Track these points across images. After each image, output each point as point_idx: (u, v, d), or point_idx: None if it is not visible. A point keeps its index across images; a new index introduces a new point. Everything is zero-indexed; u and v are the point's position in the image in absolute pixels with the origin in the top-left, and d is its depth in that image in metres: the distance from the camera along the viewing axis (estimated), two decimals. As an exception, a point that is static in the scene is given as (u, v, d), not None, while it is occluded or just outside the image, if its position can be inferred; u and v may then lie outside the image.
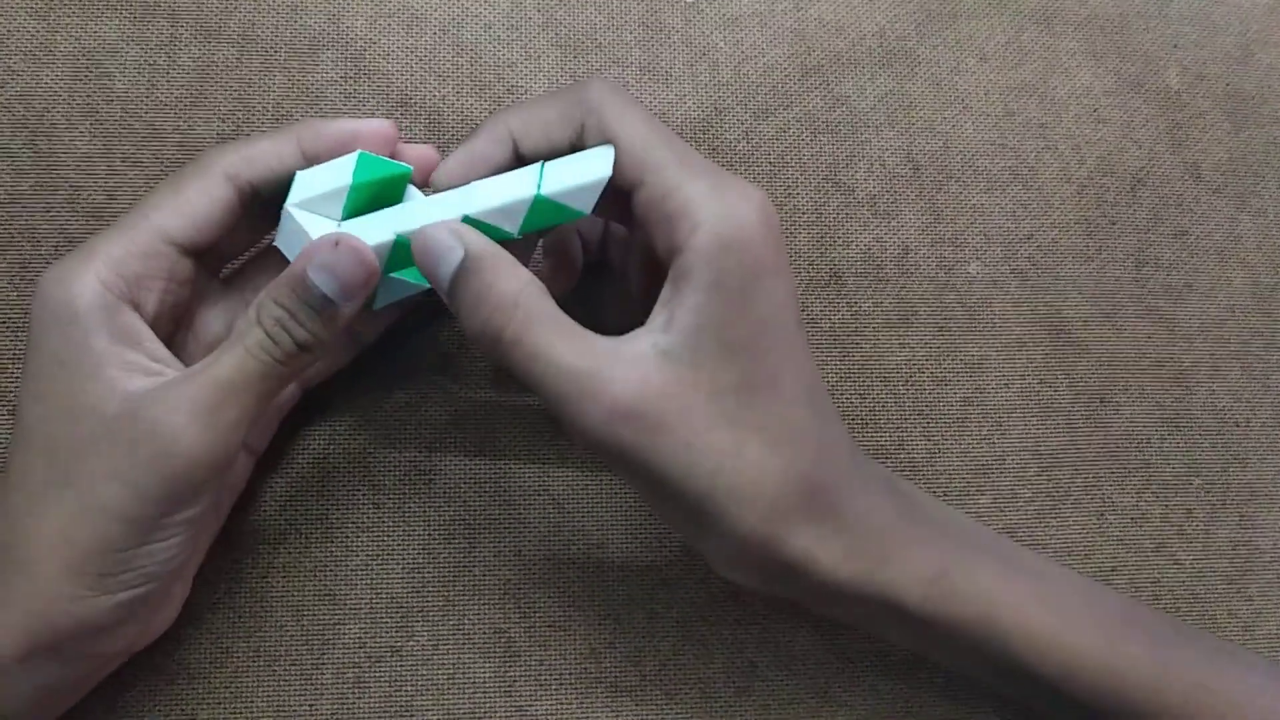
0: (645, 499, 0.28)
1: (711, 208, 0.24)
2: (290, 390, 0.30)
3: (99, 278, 0.25)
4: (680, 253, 0.25)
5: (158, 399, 0.24)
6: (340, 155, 0.27)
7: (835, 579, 0.25)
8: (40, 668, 0.25)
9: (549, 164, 0.27)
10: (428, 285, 0.27)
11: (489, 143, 0.27)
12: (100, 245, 0.26)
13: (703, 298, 0.24)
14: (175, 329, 0.28)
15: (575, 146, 0.27)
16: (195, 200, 0.26)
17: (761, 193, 0.25)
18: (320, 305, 0.25)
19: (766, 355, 0.25)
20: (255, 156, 0.27)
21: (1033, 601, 0.26)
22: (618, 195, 0.26)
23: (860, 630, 0.31)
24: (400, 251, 0.27)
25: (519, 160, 0.27)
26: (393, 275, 0.27)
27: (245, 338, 0.25)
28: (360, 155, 0.27)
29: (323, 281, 0.25)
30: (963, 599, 0.26)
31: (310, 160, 0.27)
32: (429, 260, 0.26)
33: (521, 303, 0.25)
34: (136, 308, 0.26)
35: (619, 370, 0.24)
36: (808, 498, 0.25)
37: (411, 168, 0.28)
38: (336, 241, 0.25)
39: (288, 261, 0.26)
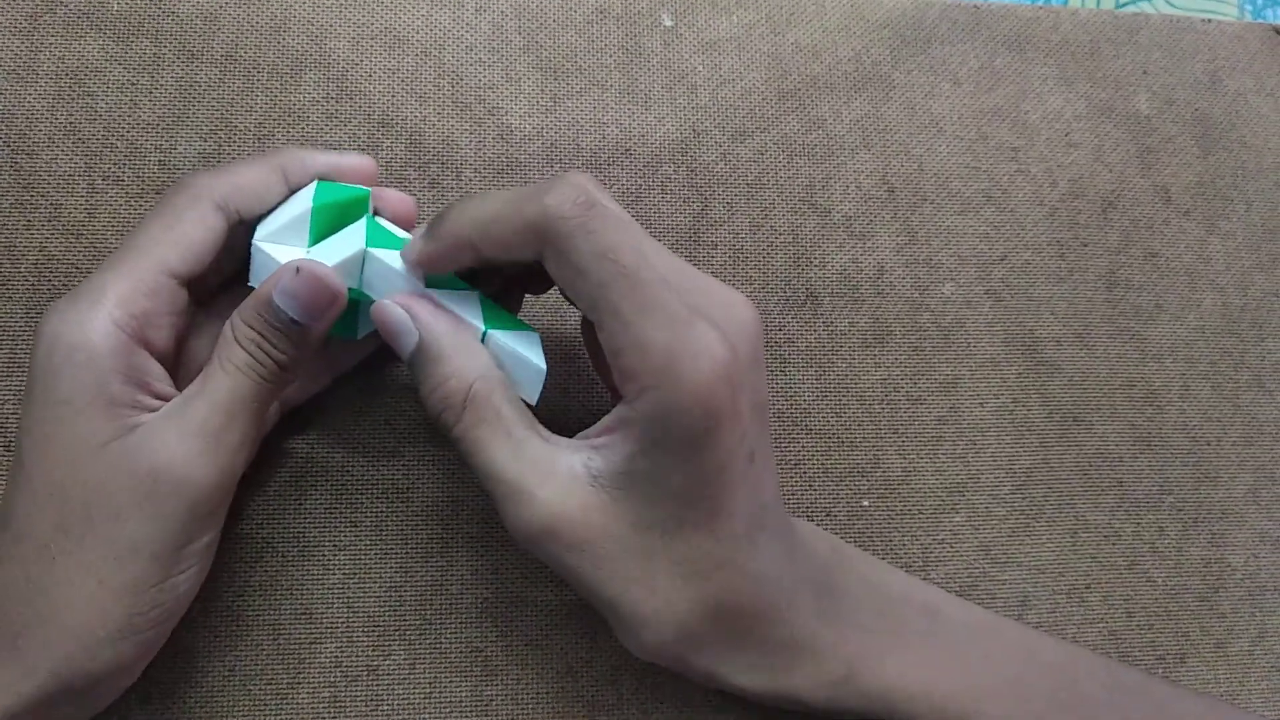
0: (577, 594, 0.28)
1: (660, 370, 0.23)
2: (271, 410, 0.30)
3: (112, 319, 0.25)
4: (627, 404, 0.25)
5: (164, 429, 0.25)
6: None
7: (739, 686, 0.27)
8: (52, 714, 0.25)
9: (492, 336, 0.27)
10: None
11: (451, 250, 0.26)
12: (109, 283, 0.26)
13: (637, 449, 0.24)
14: (176, 361, 0.28)
15: (536, 262, 0.26)
16: (193, 232, 0.27)
17: (726, 328, 0.24)
18: (288, 328, 0.26)
19: (703, 499, 0.25)
20: (244, 186, 0.27)
21: (947, 686, 0.27)
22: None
23: None
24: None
25: (475, 260, 0.27)
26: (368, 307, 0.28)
27: (231, 358, 0.25)
28: (319, 183, 0.28)
29: (288, 305, 0.26)
30: (869, 697, 0.27)
31: (293, 189, 0.28)
32: (388, 335, 0.27)
33: (471, 399, 0.26)
34: (147, 345, 0.26)
35: (546, 487, 0.25)
36: (717, 624, 0.26)
37: (369, 190, 0.29)
38: (298, 269, 0.26)
39: None
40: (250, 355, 0.26)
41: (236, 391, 0.25)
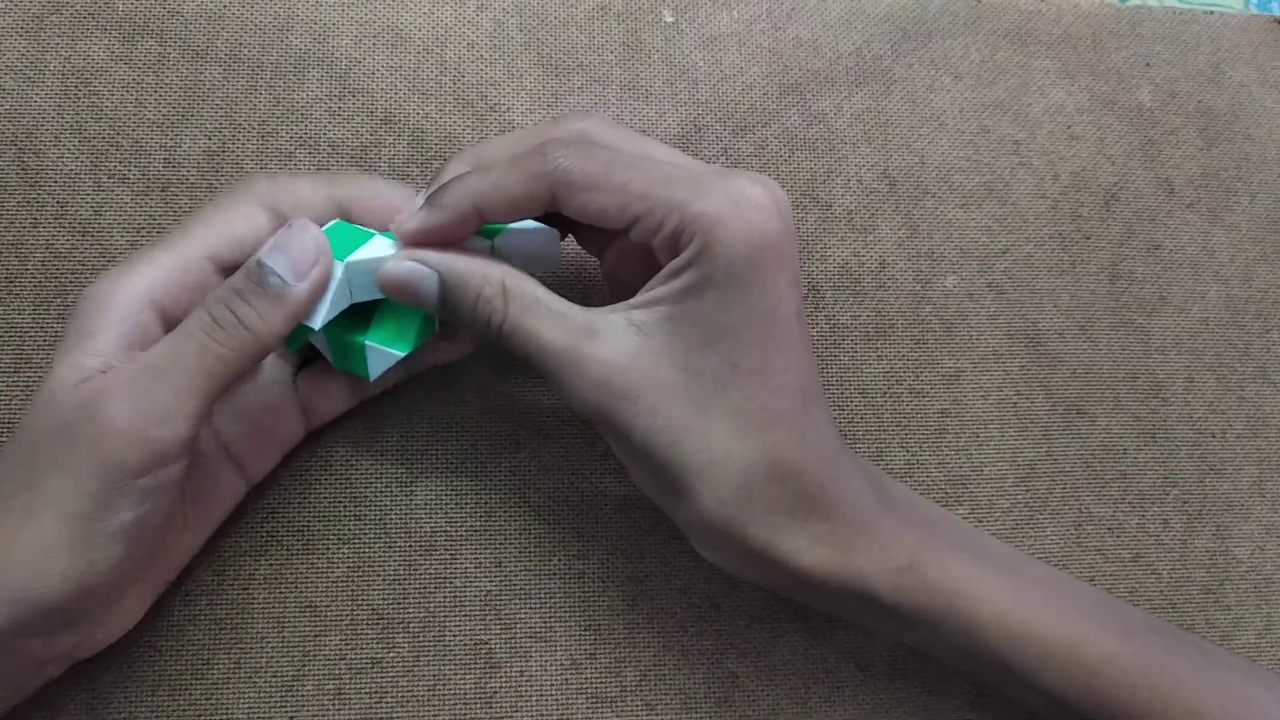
0: (629, 469, 0.28)
1: (707, 218, 0.24)
2: (294, 425, 0.31)
3: (139, 286, 0.26)
4: (672, 259, 0.25)
5: (99, 386, 0.24)
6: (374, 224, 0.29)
7: (801, 566, 0.26)
8: (31, 643, 0.25)
9: (504, 235, 0.28)
10: (406, 352, 0.28)
11: (454, 218, 0.27)
12: (148, 256, 0.26)
13: (686, 287, 0.25)
14: None
15: (546, 209, 0.27)
16: (238, 224, 0.27)
17: (764, 185, 0.25)
18: (270, 286, 0.25)
19: (753, 345, 0.25)
20: (297, 197, 0.28)
21: (1004, 593, 0.27)
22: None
23: (836, 616, 0.31)
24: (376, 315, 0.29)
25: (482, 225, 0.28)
26: (374, 345, 0.28)
27: (189, 319, 0.25)
28: (338, 222, 0.28)
29: (274, 261, 0.25)
30: (933, 589, 0.26)
31: (342, 214, 0.29)
32: (408, 291, 0.27)
33: (509, 295, 0.26)
34: (171, 322, 0.26)
35: (593, 345, 0.26)
36: (776, 484, 0.25)
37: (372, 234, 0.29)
38: (289, 224, 0.26)
39: None
40: (212, 315, 0.25)
41: (177, 351, 0.25)
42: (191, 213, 0.28)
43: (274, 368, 0.30)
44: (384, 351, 0.28)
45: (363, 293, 0.28)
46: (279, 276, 0.25)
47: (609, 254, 0.30)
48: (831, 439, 0.27)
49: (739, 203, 0.25)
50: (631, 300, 0.26)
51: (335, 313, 0.27)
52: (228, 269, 0.27)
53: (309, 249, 0.26)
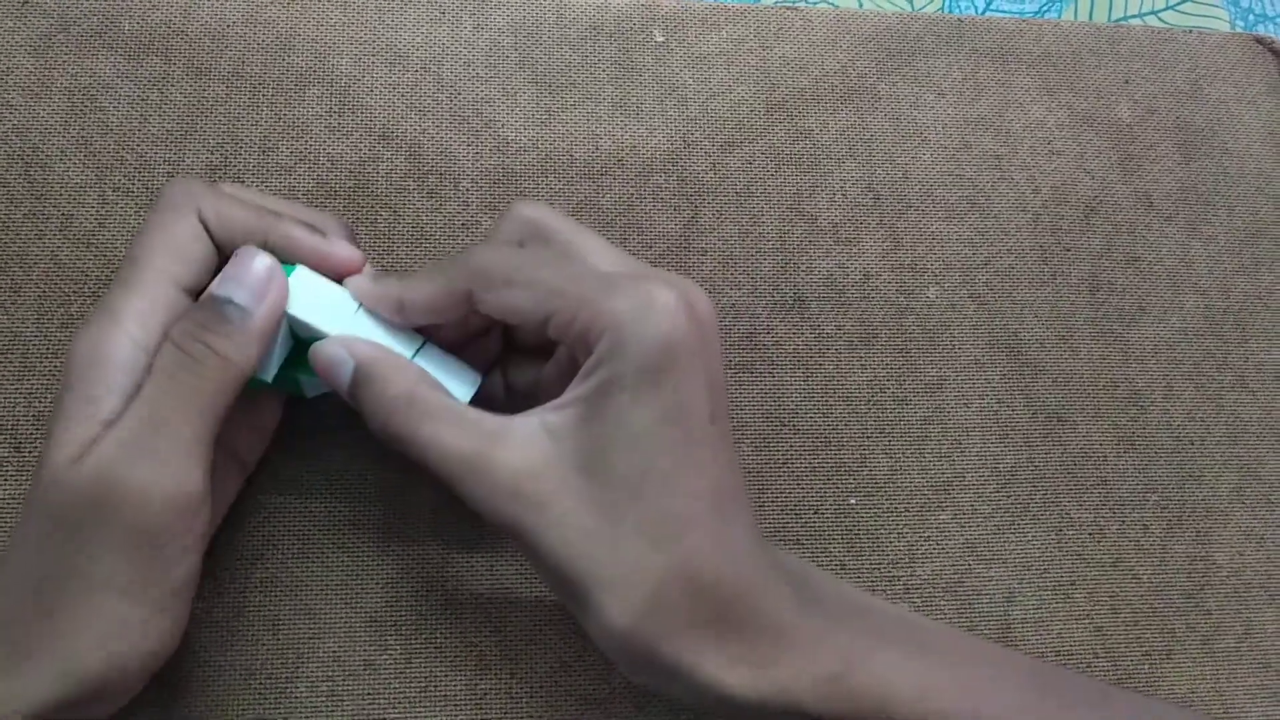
0: (541, 579, 0.28)
1: (618, 316, 0.24)
2: (274, 407, 0.31)
3: (129, 335, 0.25)
4: (589, 355, 0.25)
5: (109, 455, 0.24)
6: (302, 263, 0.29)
7: (721, 687, 0.24)
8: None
9: (428, 346, 0.29)
10: None
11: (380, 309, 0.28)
12: (124, 300, 0.26)
13: (597, 389, 0.24)
14: None
15: (468, 309, 0.27)
16: (187, 243, 0.27)
17: (678, 289, 0.25)
18: (232, 315, 0.26)
19: (665, 449, 0.24)
20: (227, 217, 0.28)
21: (936, 688, 0.25)
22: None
23: None
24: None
25: (412, 324, 0.28)
26: (308, 380, 0.29)
27: (161, 359, 0.25)
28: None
29: (230, 292, 0.26)
30: (862, 696, 0.24)
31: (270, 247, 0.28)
32: (329, 375, 0.27)
33: (413, 400, 0.26)
34: None
35: (503, 450, 0.25)
36: (690, 597, 0.24)
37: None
38: (236, 254, 0.27)
39: None
40: (182, 349, 0.25)
41: (164, 394, 0.25)
42: (137, 238, 0.27)
43: None
44: (318, 382, 0.29)
45: (304, 332, 0.29)
46: (236, 306, 0.26)
47: (542, 386, 0.30)
48: (750, 541, 0.25)
49: (648, 305, 0.24)
50: (546, 404, 0.26)
51: (283, 358, 0.28)
52: (190, 290, 0.27)
53: (260, 274, 0.26)
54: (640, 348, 0.24)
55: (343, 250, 0.28)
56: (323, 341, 0.28)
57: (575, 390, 0.25)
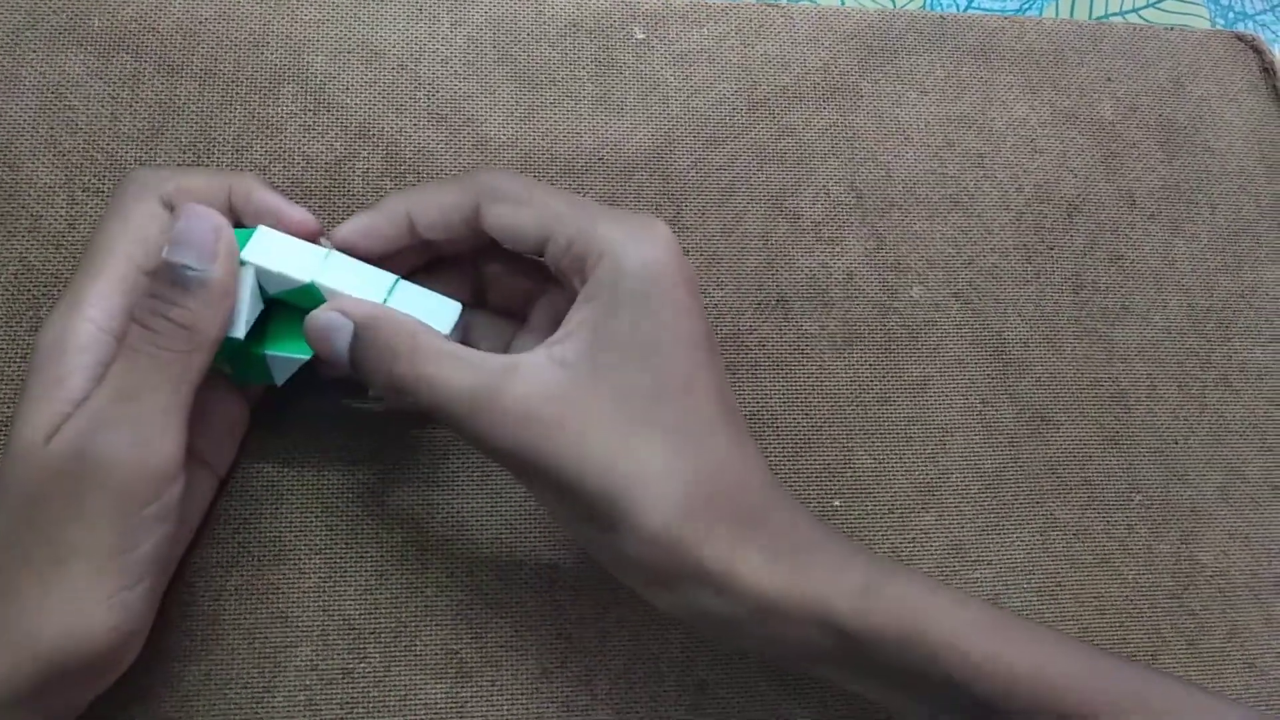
0: (550, 510, 0.27)
1: (614, 240, 0.25)
2: (237, 405, 0.31)
3: (89, 319, 0.25)
4: (585, 282, 0.26)
5: (80, 428, 0.24)
6: (259, 223, 0.28)
7: (757, 588, 0.23)
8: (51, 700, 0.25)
9: (402, 284, 0.28)
10: (309, 356, 0.28)
11: (387, 220, 0.28)
12: (84, 285, 0.26)
13: (602, 309, 0.25)
14: None
15: (470, 226, 0.28)
16: (146, 225, 0.27)
17: (664, 226, 0.26)
18: (187, 282, 0.25)
19: (677, 360, 0.25)
20: (189, 189, 0.28)
21: (962, 618, 0.25)
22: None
23: (773, 665, 0.30)
24: (283, 320, 0.29)
25: (414, 236, 0.28)
26: (277, 354, 0.28)
27: (128, 337, 0.25)
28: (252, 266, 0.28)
29: (180, 255, 0.25)
30: (894, 611, 0.24)
31: (235, 212, 0.28)
32: (327, 339, 0.27)
33: (416, 346, 0.26)
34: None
35: (513, 382, 0.25)
36: (723, 499, 0.24)
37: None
38: (178, 214, 0.26)
39: None
40: (145, 325, 0.25)
41: (130, 371, 0.25)
42: (98, 226, 0.27)
43: None
44: (287, 358, 0.28)
45: (275, 287, 0.28)
46: (189, 267, 0.25)
47: (532, 315, 0.30)
48: (763, 462, 0.26)
49: (645, 229, 0.26)
50: (549, 339, 0.26)
51: (254, 316, 0.28)
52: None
53: (207, 231, 0.26)
54: (642, 267, 0.25)
55: (301, 211, 0.28)
56: (315, 310, 0.27)
57: (577, 316, 0.25)
